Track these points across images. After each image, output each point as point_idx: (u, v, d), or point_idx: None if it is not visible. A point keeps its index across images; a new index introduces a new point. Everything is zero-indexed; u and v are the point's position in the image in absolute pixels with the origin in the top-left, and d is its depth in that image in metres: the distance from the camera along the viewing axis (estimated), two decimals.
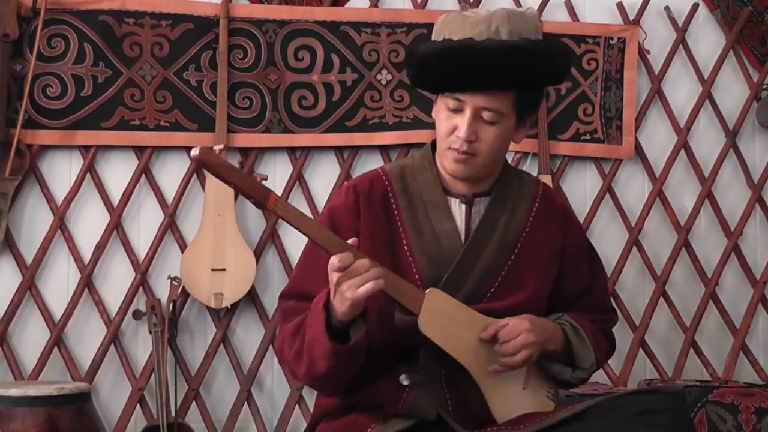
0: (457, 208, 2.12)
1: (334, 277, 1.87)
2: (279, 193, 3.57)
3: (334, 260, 1.85)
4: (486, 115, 2.03)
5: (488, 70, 1.98)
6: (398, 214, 2.11)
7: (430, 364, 2.03)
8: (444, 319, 1.98)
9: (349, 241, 1.90)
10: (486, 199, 2.14)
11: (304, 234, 1.92)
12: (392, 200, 2.12)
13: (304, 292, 2.06)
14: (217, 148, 1.88)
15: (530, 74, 2.02)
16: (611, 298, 2.36)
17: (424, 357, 2.03)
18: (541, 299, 2.15)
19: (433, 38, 2.06)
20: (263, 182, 1.87)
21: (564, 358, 2.13)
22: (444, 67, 2.01)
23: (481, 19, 2.01)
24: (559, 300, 2.19)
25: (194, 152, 1.80)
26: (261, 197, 1.86)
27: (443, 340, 1.98)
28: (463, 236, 2.10)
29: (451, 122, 2.05)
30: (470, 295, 2.06)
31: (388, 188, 2.13)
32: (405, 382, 2.01)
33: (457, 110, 2.04)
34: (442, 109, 2.07)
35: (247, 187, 1.85)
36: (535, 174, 3.67)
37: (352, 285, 1.85)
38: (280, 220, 3.55)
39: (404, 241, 2.08)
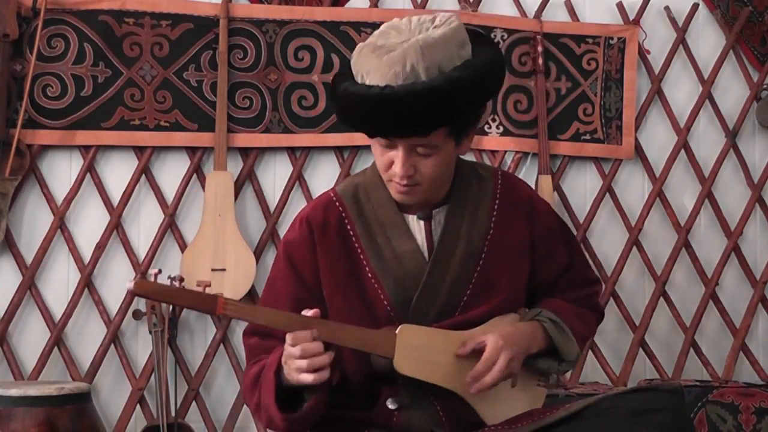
0: (416, 226, 2.07)
1: (287, 351, 1.87)
2: (279, 193, 3.60)
3: (288, 338, 1.86)
4: (420, 150, 1.95)
5: (410, 118, 1.88)
6: (357, 241, 2.06)
7: (411, 384, 2.00)
8: (420, 352, 1.96)
9: (310, 313, 1.89)
10: (444, 209, 2.08)
11: (262, 324, 1.94)
12: (348, 227, 2.07)
13: (266, 329, 2.03)
14: (152, 272, 1.88)
15: (456, 109, 1.91)
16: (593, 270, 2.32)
17: (403, 380, 2.00)
18: (516, 297, 2.11)
19: (353, 73, 1.96)
20: (207, 289, 1.87)
21: (549, 355, 2.10)
22: (364, 116, 1.94)
23: (396, 58, 1.87)
24: (539, 285, 2.16)
25: (129, 286, 1.81)
26: (210, 306, 1.87)
27: (422, 373, 1.97)
28: (426, 253, 2.05)
29: (387, 157, 1.98)
30: (443, 309, 2.03)
31: (343, 214, 2.08)
32: (392, 406, 2.00)
33: (391, 146, 1.97)
34: (375, 144, 2.00)
35: (192, 302, 1.87)
36: (535, 174, 3.68)
37: (300, 367, 1.85)
38: (279, 220, 3.59)
39: (367, 268, 2.04)
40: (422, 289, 2.02)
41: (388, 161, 1.98)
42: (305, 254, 2.05)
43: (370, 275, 2.04)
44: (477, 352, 1.98)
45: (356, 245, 2.05)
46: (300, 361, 1.84)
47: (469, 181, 2.11)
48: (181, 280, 1.90)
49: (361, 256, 2.05)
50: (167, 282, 3.36)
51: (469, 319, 2.03)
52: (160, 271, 1.89)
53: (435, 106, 1.88)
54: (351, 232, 2.06)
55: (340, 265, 2.04)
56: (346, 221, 2.07)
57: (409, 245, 2.04)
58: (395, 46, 1.89)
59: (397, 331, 1.95)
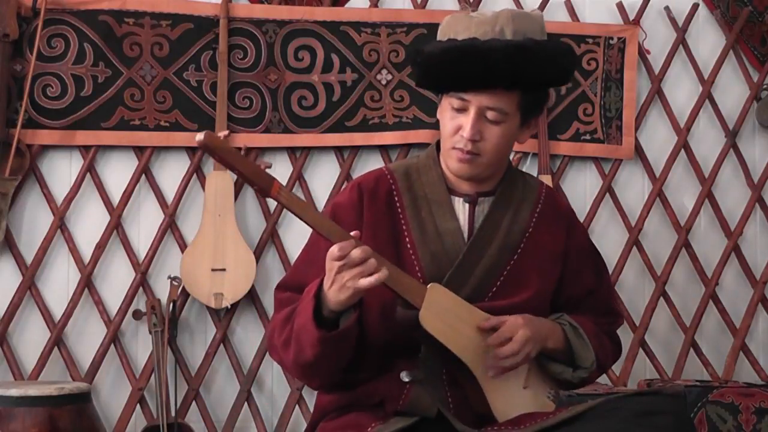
0: (461, 207, 2.13)
1: (334, 266, 1.87)
2: None
3: (334, 249, 1.86)
4: (490, 114, 2.04)
5: (492, 69, 1.99)
6: (402, 212, 2.11)
7: (430, 361, 2.03)
8: (446, 315, 1.99)
9: (351, 233, 1.90)
10: (490, 199, 2.14)
11: (307, 223, 1.91)
12: (396, 198, 2.13)
13: (301, 284, 2.06)
14: (221, 134, 1.87)
15: (534, 74, 2.03)
16: (617, 302, 2.35)
17: (424, 354, 2.03)
18: (543, 300, 2.15)
19: (438, 38, 2.07)
20: (267, 170, 1.87)
21: (564, 357, 2.13)
22: (448, 66, 2.02)
23: (487, 19, 2.02)
24: (563, 302, 2.20)
25: (199, 137, 1.79)
26: (265, 184, 1.85)
27: (445, 335, 1.98)
28: (466, 235, 2.11)
29: (456, 122, 2.06)
30: (472, 293, 2.06)
31: (393, 186, 2.14)
32: (406, 379, 2.01)
33: (462, 110, 2.05)
34: (446, 108, 2.08)
35: (252, 174, 1.84)
36: (535, 174, 3.68)
37: (354, 275, 1.86)
38: (279, 220, 3.58)
39: (407, 239, 2.09)
40: (456, 267, 2.06)
41: (456, 126, 2.06)
42: (351, 217, 2.09)
43: (409, 246, 2.08)
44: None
45: (401, 216, 2.11)
46: (353, 269, 1.85)
47: (516, 182, 2.19)
48: (248, 151, 1.85)
49: (404, 227, 2.10)
50: (167, 282, 3.41)
51: (496, 308, 2.06)
52: (229, 132, 1.88)
53: (516, 63, 1.99)
54: (398, 204, 2.12)
55: (383, 233, 2.08)
56: (395, 193, 2.13)
57: (451, 224, 2.10)
58: (486, 14, 2.05)
59: (428, 286, 1.99)
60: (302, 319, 1.95)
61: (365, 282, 1.85)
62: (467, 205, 2.13)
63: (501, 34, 2.00)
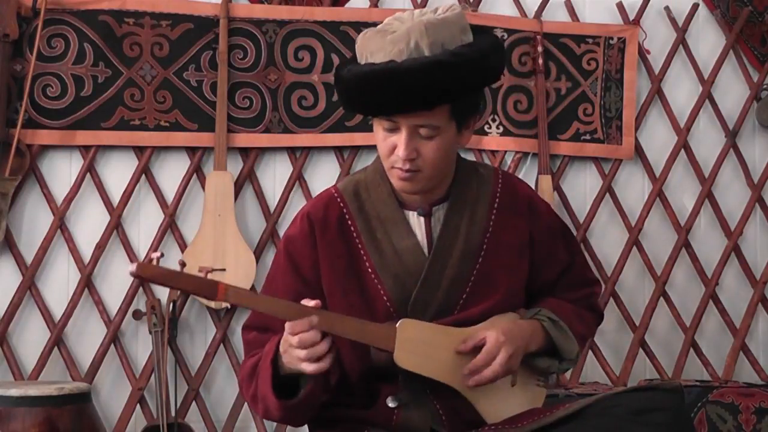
0: (416, 222, 2.08)
1: (287, 339, 1.87)
2: (279, 193, 3.60)
3: (287, 326, 1.85)
4: (423, 131, 1.96)
5: (414, 92, 1.90)
6: (357, 237, 2.07)
7: (413, 383, 2.01)
8: (420, 347, 1.96)
9: (311, 303, 1.88)
10: (444, 206, 2.09)
11: (262, 311, 1.92)
12: (349, 222, 2.08)
13: (265, 324, 2.05)
14: (154, 256, 1.86)
15: (460, 85, 1.93)
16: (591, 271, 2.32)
17: (405, 377, 2.00)
18: (515, 296, 2.11)
19: (358, 59, 2.00)
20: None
21: (548, 353, 2.10)
22: (369, 93, 1.94)
23: (401, 36, 1.92)
24: (539, 285, 2.16)
25: (131, 269, 1.78)
26: (210, 292, 1.85)
27: (422, 368, 1.97)
28: (426, 249, 2.06)
29: (389, 142, 1.99)
30: (442, 308, 2.03)
31: (344, 210, 2.09)
32: (391, 405, 2.00)
33: (393, 130, 1.98)
34: (378, 129, 2.01)
35: (194, 288, 1.85)
36: (535, 174, 3.68)
37: (299, 357, 1.85)
38: (279, 220, 3.59)
39: (367, 264, 2.05)
40: (421, 285, 2.03)
41: (390, 146, 1.99)
42: (305, 249, 2.06)
43: (370, 271, 2.05)
44: (477, 349, 1.98)
45: (357, 241, 2.06)
46: (299, 351, 1.84)
47: (469, 180, 2.12)
48: (183, 265, 1.87)
49: (362, 252, 2.06)
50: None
51: (469, 317, 2.03)
52: (162, 254, 1.88)
53: (438, 80, 1.90)
54: (352, 228, 2.07)
55: (341, 262, 2.05)
56: (347, 217, 2.08)
57: (409, 241, 2.05)
58: (399, 28, 1.93)
59: (397, 325, 1.96)
60: (263, 387, 1.96)
61: (309, 368, 1.85)
62: (422, 218, 2.08)
63: (417, 51, 1.90)
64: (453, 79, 1.91)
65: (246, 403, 3.48)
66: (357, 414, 2.04)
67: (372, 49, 1.94)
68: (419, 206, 2.08)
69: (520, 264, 2.12)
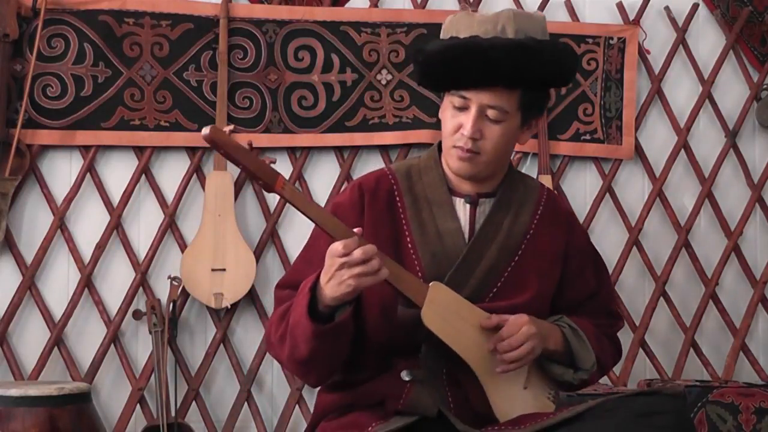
0: (462, 208, 2.13)
1: (335, 261, 1.86)
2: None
3: (338, 246, 1.85)
4: (491, 113, 2.04)
5: (493, 67, 2.00)
6: (403, 212, 2.11)
7: (431, 360, 2.03)
8: (447, 313, 1.99)
9: (354, 230, 1.91)
10: (490, 200, 2.14)
11: (310, 218, 1.91)
12: (397, 198, 2.13)
13: (299, 283, 2.05)
14: (227, 128, 1.86)
15: (535, 73, 2.03)
16: (617, 304, 2.35)
17: (425, 353, 2.03)
18: (543, 302, 2.15)
19: (441, 37, 2.08)
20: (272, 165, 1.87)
21: (564, 359, 2.13)
22: (450, 64, 2.03)
23: (489, 18, 2.03)
24: (564, 304, 2.20)
25: (205, 131, 1.79)
26: (270, 179, 1.86)
27: (446, 334, 1.98)
28: (467, 236, 2.11)
29: (457, 120, 2.06)
30: (473, 294, 2.06)
31: (394, 187, 2.14)
32: (406, 378, 2.01)
33: (463, 108, 2.05)
34: (447, 107, 2.08)
35: (256, 169, 1.85)
36: (535, 174, 3.68)
37: (354, 273, 1.85)
38: (279, 220, 3.59)
39: (408, 239, 2.09)
40: (457, 268, 2.06)
41: (456, 124, 2.06)
42: (352, 216, 2.09)
43: (410, 246, 2.08)
44: (501, 329, 2.02)
45: (402, 216, 2.11)
46: (354, 268, 1.84)
47: (516, 184, 2.19)
48: (251, 145, 1.85)
49: (405, 227, 2.10)
50: (167, 282, 3.41)
51: (496, 309, 2.06)
52: (234, 127, 1.88)
53: (518, 60, 2.00)
54: (399, 204, 2.12)
55: (383, 232, 2.08)
56: (396, 193, 2.14)
57: (452, 224, 2.10)
58: (488, 13, 2.06)
59: (430, 284, 1.99)
60: (297, 314, 1.95)
61: (364, 281, 1.85)
62: (468, 206, 2.13)
63: (503, 33, 2.01)
64: (531, 65, 2.01)
65: (246, 403, 3.49)
66: (369, 383, 2.05)
67: (459, 27, 2.04)
68: (467, 194, 2.13)
69: (553, 272, 2.16)
